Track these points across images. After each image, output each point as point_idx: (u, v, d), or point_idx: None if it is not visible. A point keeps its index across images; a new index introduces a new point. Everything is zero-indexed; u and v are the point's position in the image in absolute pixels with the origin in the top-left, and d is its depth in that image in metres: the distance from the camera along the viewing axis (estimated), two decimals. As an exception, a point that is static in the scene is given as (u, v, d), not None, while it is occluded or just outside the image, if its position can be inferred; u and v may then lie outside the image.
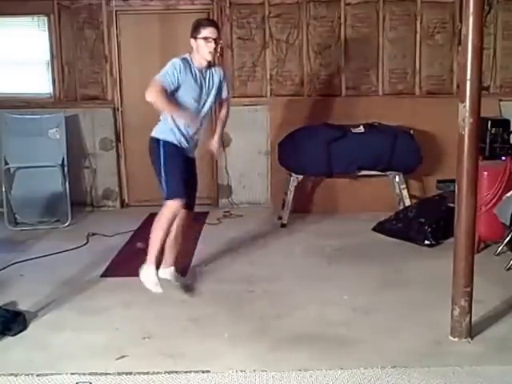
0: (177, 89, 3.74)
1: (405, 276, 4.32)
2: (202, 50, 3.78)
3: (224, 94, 4.03)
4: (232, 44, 6.24)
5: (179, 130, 3.82)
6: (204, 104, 3.89)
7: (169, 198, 3.75)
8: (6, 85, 6.37)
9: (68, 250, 5.00)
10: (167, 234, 3.84)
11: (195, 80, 3.80)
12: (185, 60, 3.78)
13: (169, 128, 3.82)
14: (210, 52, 3.77)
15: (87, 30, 6.27)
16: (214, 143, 4.05)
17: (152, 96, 3.63)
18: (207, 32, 3.76)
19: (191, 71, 3.78)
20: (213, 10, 6.23)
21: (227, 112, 4.10)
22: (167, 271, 4.04)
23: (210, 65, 3.89)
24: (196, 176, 4.06)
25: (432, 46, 6.24)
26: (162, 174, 3.79)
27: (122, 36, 6.34)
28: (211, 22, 3.95)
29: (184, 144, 3.86)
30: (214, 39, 3.76)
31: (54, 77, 6.34)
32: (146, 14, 6.31)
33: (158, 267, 3.88)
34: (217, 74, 3.93)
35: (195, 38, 3.79)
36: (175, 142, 3.83)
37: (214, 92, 3.92)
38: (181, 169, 3.81)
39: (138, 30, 6.35)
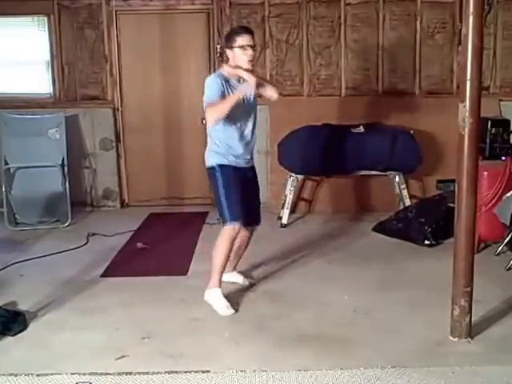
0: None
1: (405, 276, 4.32)
2: (240, 59, 3.66)
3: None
4: (232, 44, 6.23)
5: (230, 147, 3.75)
6: (251, 114, 3.79)
7: (228, 222, 3.70)
8: (6, 85, 6.37)
9: (68, 250, 5.00)
10: (229, 256, 3.80)
11: (237, 86, 3.67)
12: (220, 76, 3.68)
13: (219, 150, 3.76)
14: (250, 60, 3.66)
15: (87, 30, 6.27)
16: (267, 90, 3.84)
17: (212, 116, 3.58)
18: (243, 40, 3.65)
19: (230, 85, 3.66)
20: (213, 10, 6.23)
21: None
22: (230, 275, 4.08)
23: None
24: (256, 186, 3.99)
25: (432, 46, 6.24)
26: (222, 199, 3.73)
27: (122, 36, 6.34)
28: (246, 29, 3.77)
29: (240, 160, 3.79)
30: (252, 46, 3.66)
31: (54, 77, 6.34)
32: (146, 14, 6.31)
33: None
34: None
35: (231, 47, 3.67)
36: (229, 162, 3.76)
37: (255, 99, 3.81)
38: (240, 191, 3.74)
39: (137, 30, 6.35)
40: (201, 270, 4.29)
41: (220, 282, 3.79)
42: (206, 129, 3.88)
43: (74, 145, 6.28)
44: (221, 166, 3.77)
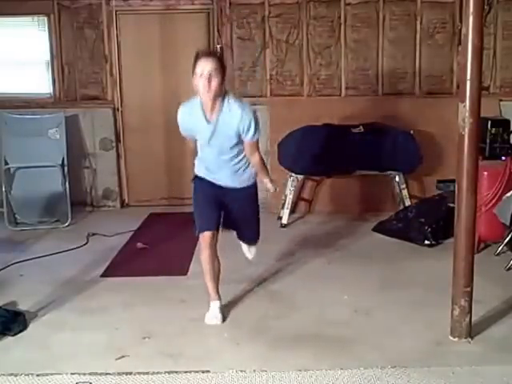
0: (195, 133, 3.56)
1: (405, 276, 4.32)
2: (198, 87, 3.35)
3: (245, 137, 3.46)
4: (232, 44, 6.23)
5: (202, 162, 3.64)
6: (220, 147, 3.49)
7: (198, 233, 3.58)
8: (6, 85, 6.37)
9: (68, 250, 5.00)
10: (216, 265, 3.65)
11: (201, 123, 3.44)
12: (188, 104, 3.52)
13: (198, 162, 3.68)
14: (205, 88, 3.31)
15: (87, 30, 6.27)
16: (266, 185, 3.68)
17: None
18: (198, 67, 3.32)
19: (196, 114, 3.45)
20: (213, 9, 6.23)
21: (257, 160, 3.58)
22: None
23: (222, 100, 3.41)
24: (247, 208, 3.73)
25: (432, 46, 6.24)
26: (193, 209, 3.64)
27: (122, 36, 6.34)
28: (203, 53, 3.38)
29: (211, 177, 3.62)
30: (211, 71, 3.28)
31: (54, 77, 6.34)
32: (146, 14, 6.31)
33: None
34: (232, 112, 3.41)
35: (192, 73, 3.38)
36: (202, 174, 3.65)
37: (229, 132, 3.43)
38: (206, 201, 3.57)
39: (137, 30, 6.35)
40: (201, 270, 4.28)
41: (215, 293, 3.66)
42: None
43: (74, 145, 6.28)
44: (197, 177, 3.69)
